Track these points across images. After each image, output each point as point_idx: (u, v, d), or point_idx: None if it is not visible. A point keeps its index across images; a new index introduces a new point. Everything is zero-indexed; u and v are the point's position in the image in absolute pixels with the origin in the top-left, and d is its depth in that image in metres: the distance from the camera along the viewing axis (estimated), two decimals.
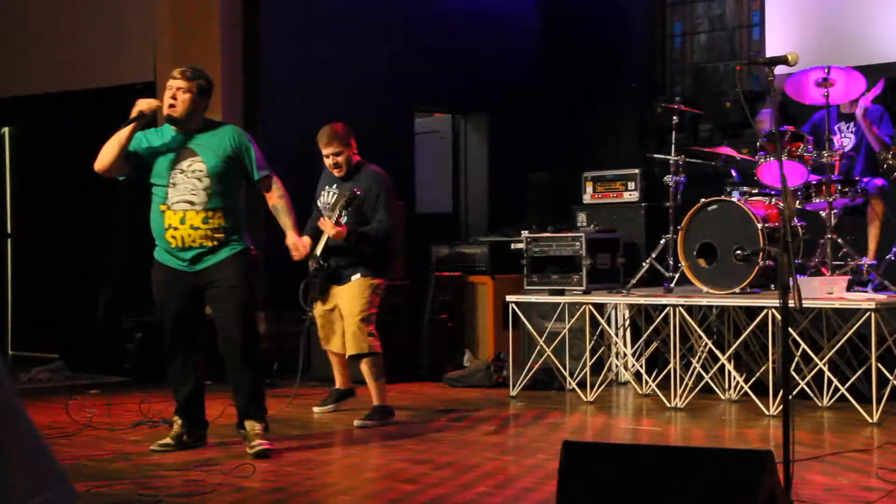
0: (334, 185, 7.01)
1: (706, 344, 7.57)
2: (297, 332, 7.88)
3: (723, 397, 7.64)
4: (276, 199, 6.00)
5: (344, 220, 6.76)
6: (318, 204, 7.11)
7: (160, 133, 5.93)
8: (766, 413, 6.99)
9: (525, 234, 8.65)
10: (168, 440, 6.01)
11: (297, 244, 6.04)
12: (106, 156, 5.74)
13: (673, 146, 8.11)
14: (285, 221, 6.01)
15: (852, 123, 7.88)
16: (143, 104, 5.76)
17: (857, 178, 7.49)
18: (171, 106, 5.80)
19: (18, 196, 10.97)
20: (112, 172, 5.83)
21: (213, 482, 5.16)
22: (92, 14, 10.60)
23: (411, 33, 10.71)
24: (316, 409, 7.39)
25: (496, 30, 11.35)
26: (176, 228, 5.74)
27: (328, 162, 6.98)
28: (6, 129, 10.89)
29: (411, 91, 10.73)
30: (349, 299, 6.87)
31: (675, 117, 8.19)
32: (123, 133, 5.73)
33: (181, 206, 5.75)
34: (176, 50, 9.91)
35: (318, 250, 6.85)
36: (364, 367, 6.88)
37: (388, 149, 9.37)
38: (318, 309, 7.07)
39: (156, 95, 9.95)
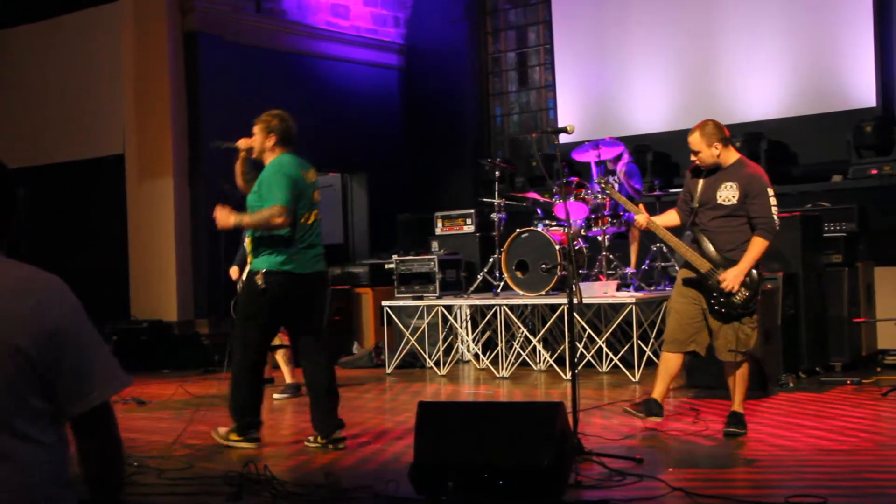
0: None
1: (523, 331, 7.66)
2: (230, 333, 7.79)
3: (535, 368, 7.72)
4: None
5: None
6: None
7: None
8: (564, 378, 7.08)
9: (395, 257, 8.65)
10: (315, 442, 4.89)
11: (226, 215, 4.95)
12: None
13: (497, 193, 8.16)
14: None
15: (613, 175, 8.09)
16: (241, 142, 5.17)
17: (620, 213, 7.54)
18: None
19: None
20: (245, 191, 5.18)
21: (167, 442, 5.06)
22: (72, 101, 10.25)
23: (313, 116, 10.63)
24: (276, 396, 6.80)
25: (372, 112, 11.35)
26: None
27: None
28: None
29: (313, 158, 10.62)
30: None
31: (497, 172, 8.23)
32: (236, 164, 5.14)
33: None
34: (139, 126, 9.64)
35: (245, 275, 6.74)
36: (279, 356, 6.83)
37: None
38: None
39: (124, 167, 9.73)
